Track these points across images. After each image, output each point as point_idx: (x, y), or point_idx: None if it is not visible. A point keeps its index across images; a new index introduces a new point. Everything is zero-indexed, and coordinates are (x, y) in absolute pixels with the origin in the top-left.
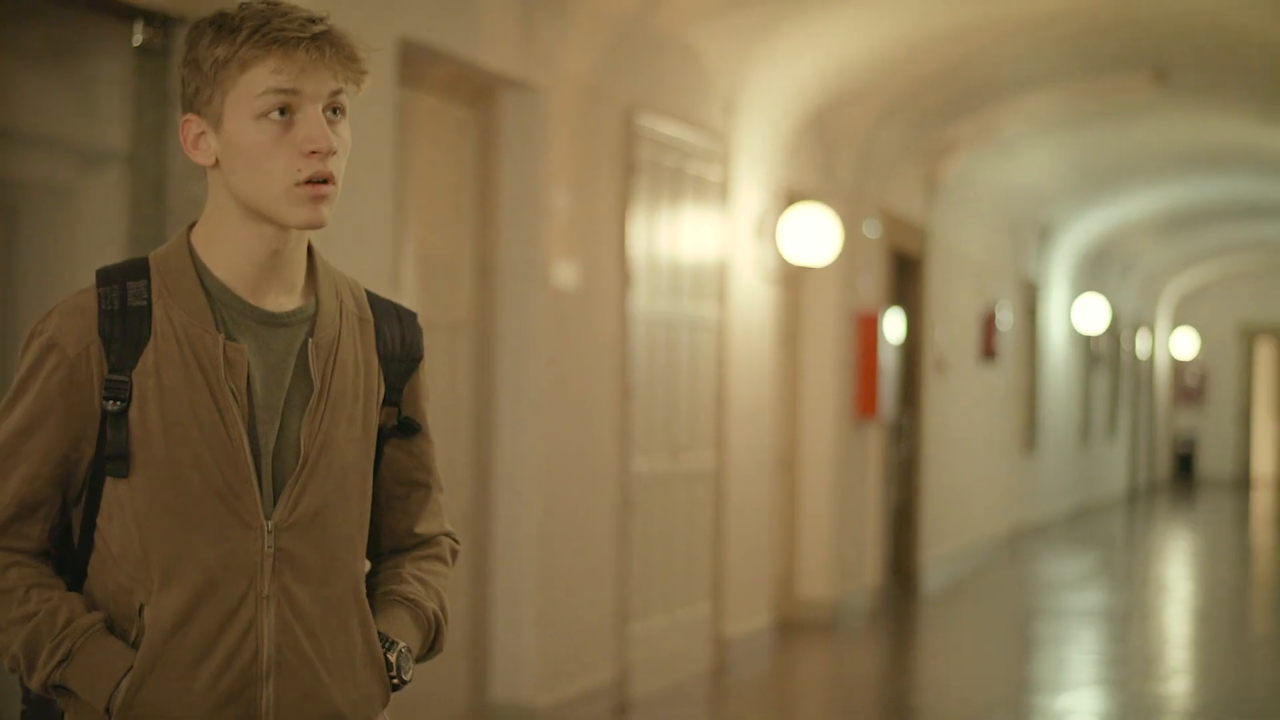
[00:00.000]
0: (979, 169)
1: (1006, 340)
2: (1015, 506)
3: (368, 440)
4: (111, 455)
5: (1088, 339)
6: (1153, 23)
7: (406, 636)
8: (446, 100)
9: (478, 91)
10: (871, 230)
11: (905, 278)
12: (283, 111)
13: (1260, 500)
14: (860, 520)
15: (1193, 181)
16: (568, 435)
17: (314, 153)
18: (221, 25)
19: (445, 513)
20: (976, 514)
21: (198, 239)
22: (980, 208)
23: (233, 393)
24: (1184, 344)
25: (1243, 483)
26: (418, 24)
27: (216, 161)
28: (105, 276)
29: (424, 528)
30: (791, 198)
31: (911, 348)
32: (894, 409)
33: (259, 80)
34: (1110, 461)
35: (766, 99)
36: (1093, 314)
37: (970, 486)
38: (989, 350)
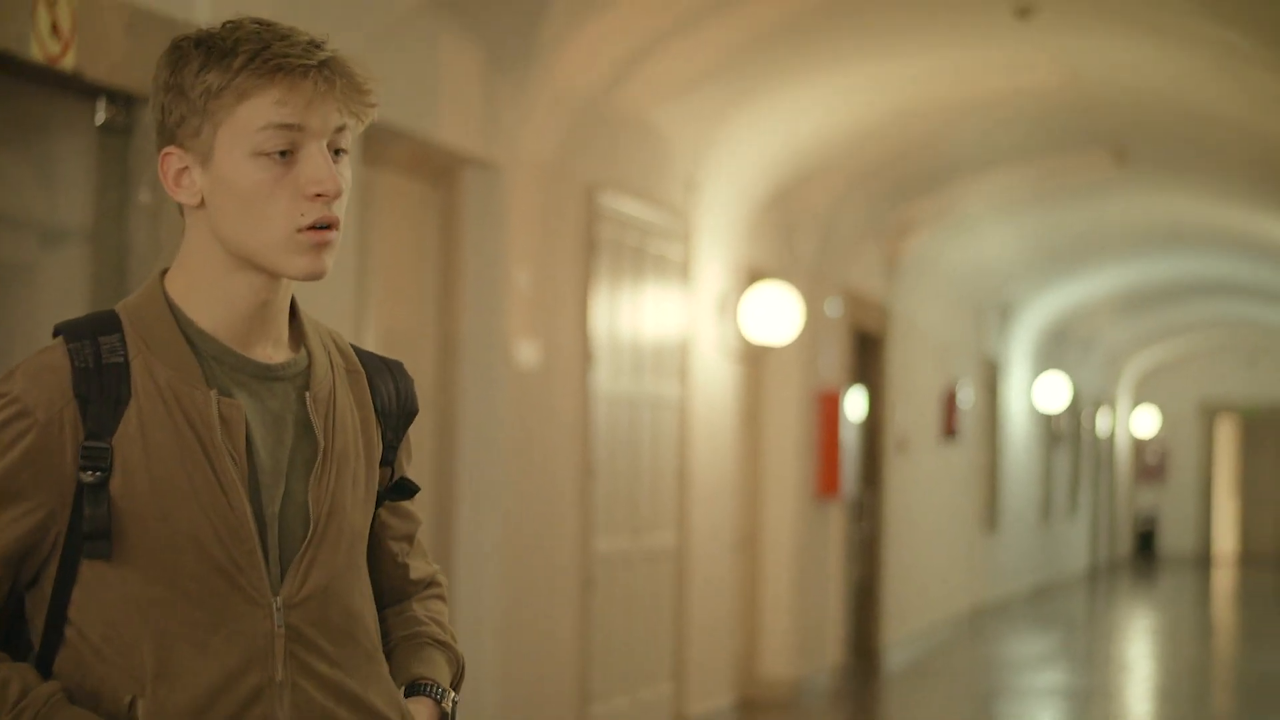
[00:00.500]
0: (940, 247)
1: (968, 419)
2: (977, 585)
3: (370, 503)
4: (90, 533)
5: (1049, 417)
6: (1112, 102)
7: (444, 679)
8: (409, 178)
9: (440, 170)
10: (833, 309)
11: (866, 356)
12: (284, 150)
13: (1221, 578)
14: (822, 599)
15: (1153, 260)
16: (529, 513)
17: (319, 195)
18: (212, 48)
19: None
20: (938, 593)
21: (174, 286)
22: (941, 286)
23: (231, 455)
24: (1145, 421)
25: (1204, 560)
26: (380, 102)
27: (202, 201)
28: (73, 331)
29: (418, 572)
30: (753, 276)
31: (873, 426)
32: (855, 487)
33: (259, 113)
34: (1071, 540)
35: (727, 177)
36: (1053, 392)
37: (932, 565)
38: (950, 429)
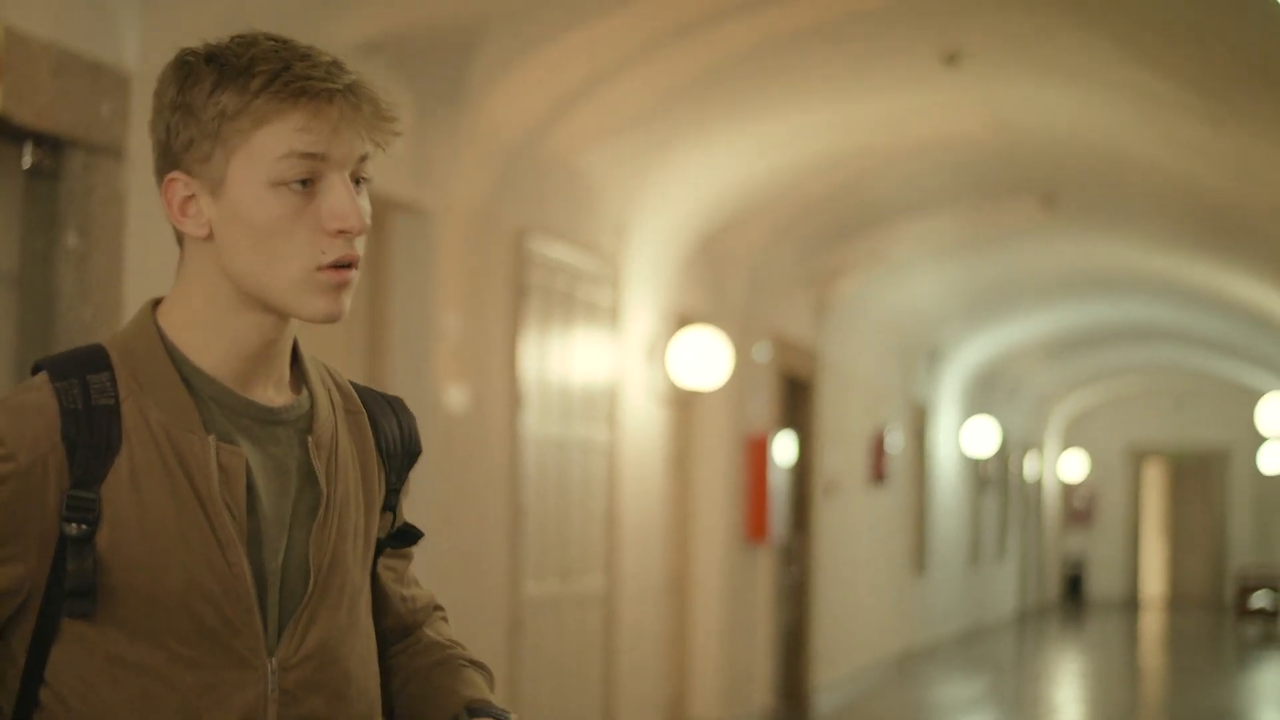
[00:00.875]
0: (869, 292)
1: (896, 463)
2: (906, 628)
3: (370, 553)
4: (73, 590)
5: (977, 461)
6: (1039, 149)
7: (488, 695)
8: None
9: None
10: (762, 353)
11: (795, 401)
12: (305, 180)
13: (1149, 621)
14: (751, 643)
15: (1079, 305)
16: (458, 557)
17: (342, 231)
18: (226, 66)
19: None
20: (867, 636)
21: (169, 322)
22: (870, 331)
23: (229, 507)
24: (1073, 465)
25: (1131, 604)
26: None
27: (210, 233)
28: (58, 369)
29: (420, 600)
30: (682, 321)
31: (802, 471)
32: (785, 532)
33: (279, 140)
34: (1000, 583)
35: (657, 222)
36: (982, 436)
37: (861, 608)
38: (879, 473)
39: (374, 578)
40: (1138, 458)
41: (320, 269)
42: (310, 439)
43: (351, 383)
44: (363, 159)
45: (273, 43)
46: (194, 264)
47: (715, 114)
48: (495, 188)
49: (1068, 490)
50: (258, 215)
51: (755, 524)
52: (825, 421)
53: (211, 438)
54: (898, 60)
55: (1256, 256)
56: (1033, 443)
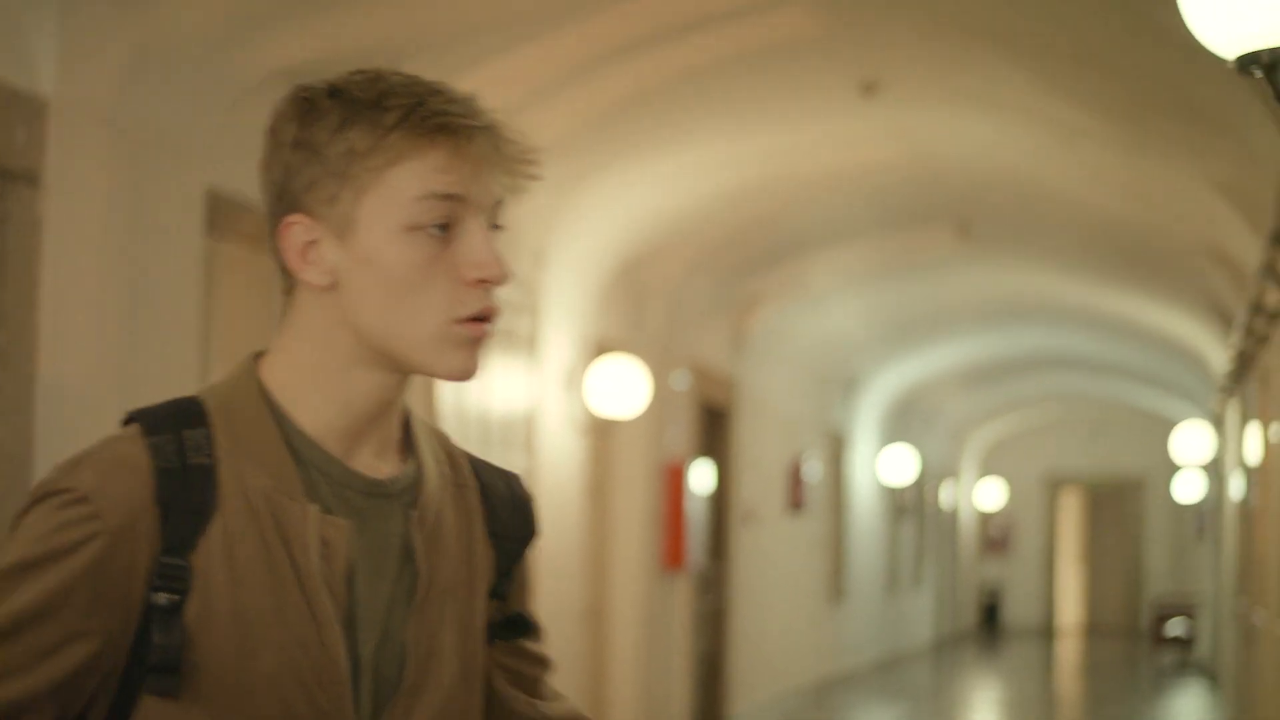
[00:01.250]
0: (787, 321)
1: (814, 491)
2: (823, 656)
3: (476, 644)
4: (157, 666)
5: (894, 489)
6: (956, 178)
7: None
8: (254, 250)
9: None
10: (680, 382)
11: (713, 429)
12: (442, 225)
13: (1065, 649)
14: (668, 671)
15: (997, 333)
16: None
17: (482, 281)
18: (354, 101)
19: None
20: (785, 664)
21: (273, 378)
22: (788, 359)
23: (328, 585)
24: (989, 494)
25: (1048, 631)
26: (225, 173)
27: (333, 282)
28: (152, 422)
29: (554, 713)
30: (600, 349)
31: (720, 499)
32: (702, 560)
33: (416, 180)
34: (917, 611)
35: (575, 250)
36: (899, 464)
37: (779, 637)
38: (796, 501)
39: (489, 683)
40: (1054, 486)
41: (458, 322)
42: (414, 514)
43: (467, 454)
44: (498, 204)
45: (402, 77)
46: (308, 315)
47: (635, 143)
48: None
49: (985, 518)
50: (392, 262)
51: (672, 552)
52: (743, 450)
53: (314, 507)
54: (816, 90)
55: (1170, 285)
56: (950, 471)
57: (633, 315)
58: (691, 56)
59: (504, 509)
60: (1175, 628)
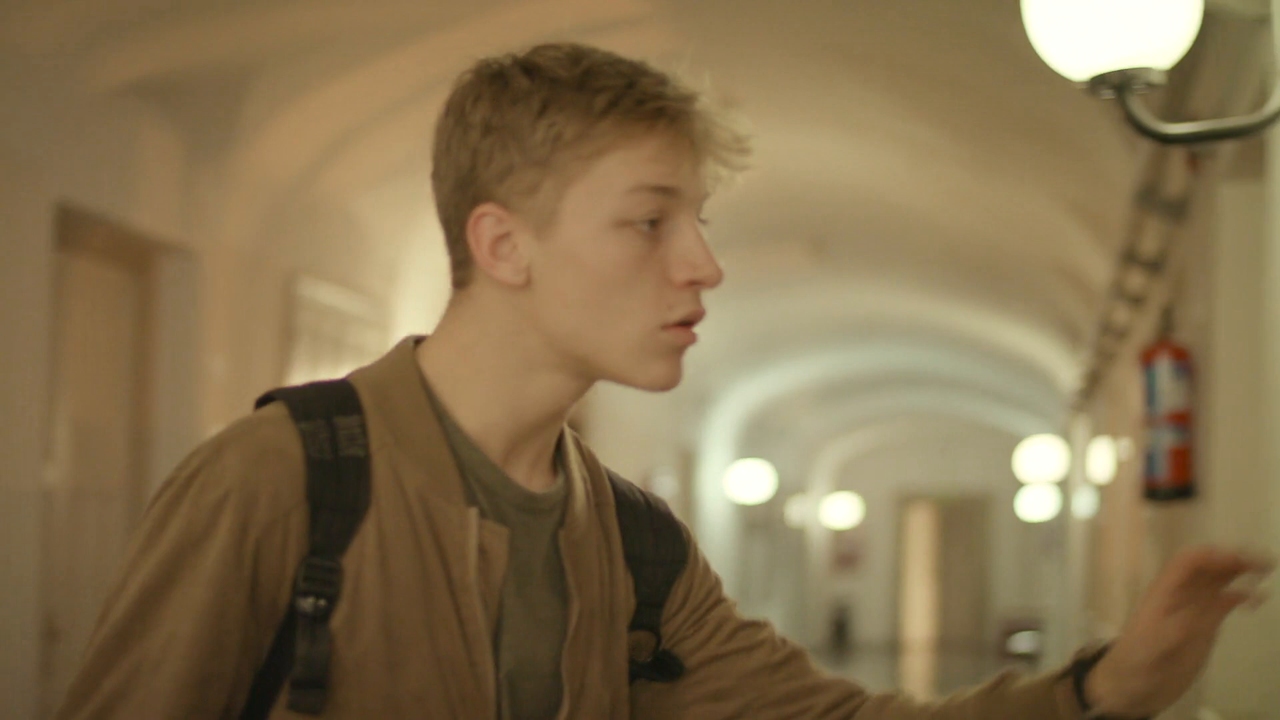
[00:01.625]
0: None
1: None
2: None
3: (622, 678)
4: (301, 680)
5: (745, 505)
6: (809, 196)
7: None
8: (104, 265)
9: (136, 256)
10: None
11: None
12: (655, 219)
13: (913, 663)
14: None
15: (850, 351)
16: None
17: (693, 282)
18: (556, 81)
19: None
20: None
21: (437, 371)
22: None
23: (483, 599)
24: (841, 510)
25: (896, 646)
26: (75, 186)
27: (528, 280)
28: (302, 405)
29: (833, 680)
30: None
31: None
32: None
33: (627, 171)
34: None
35: (428, 266)
36: (750, 481)
37: None
38: None
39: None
40: (905, 502)
41: (665, 328)
42: (562, 533)
43: (607, 469)
44: (705, 198)
45: (601, 53)
46: (488, 311)
47: None
48: (264, 230)
49: (836, 534)
50: (600, 260)
51: None
52: None
53: (473, 511)
54: None
55: (1021, 303)
56: (802, 487)
57: None
58: None
59: (643, 530)
60: (1022, 642)
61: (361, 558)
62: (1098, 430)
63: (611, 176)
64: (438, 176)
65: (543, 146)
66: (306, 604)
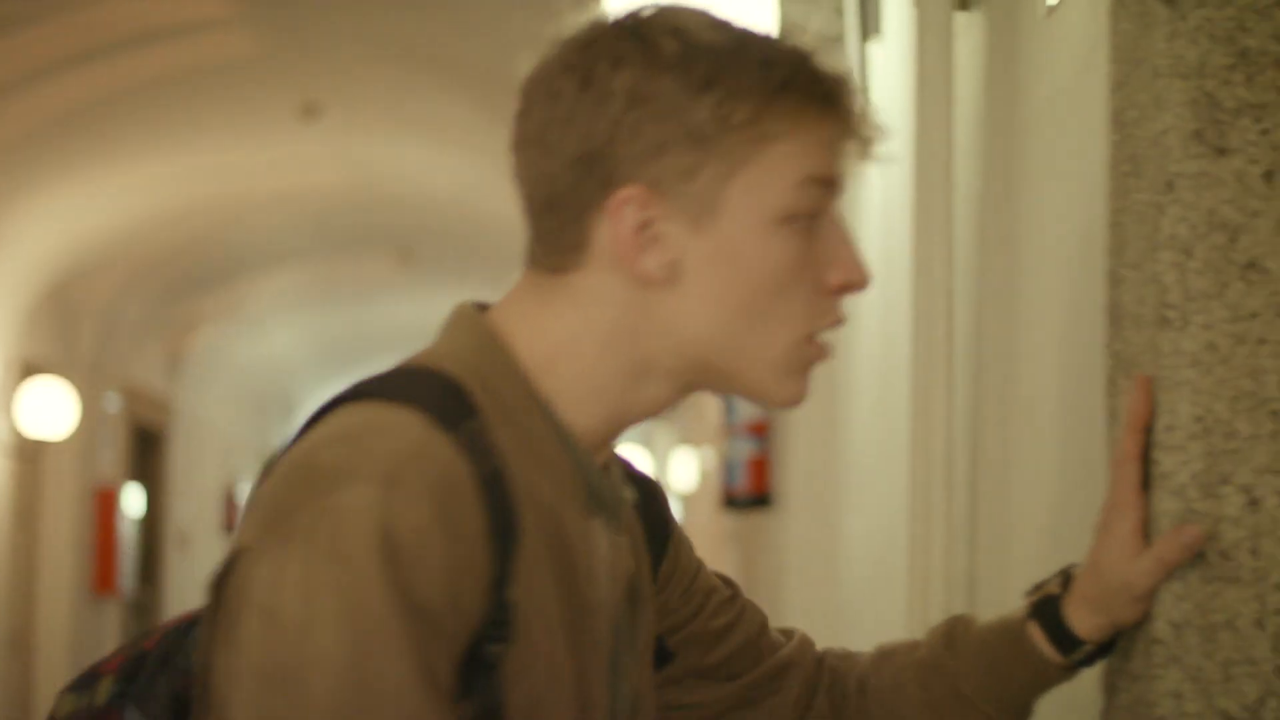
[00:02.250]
0: (226, 344)
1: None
2: None
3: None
4: None
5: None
6: (398, 204)
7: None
8: None
9: None
10: (112, 404)
11: (147, 452)
12: (815, 215)
13: None
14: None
15: None
16: None
17: (847, 286)
18: (717, 51)
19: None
20: None
21: (532, 356)
22: (227, 382)
23: (613, 623)
24: None
25: None
26: None
27: (672, 275)
28: (439, 409)
29: (774, 632)
30: (28, 370)
31: (152, 523)
32: (134, 585)
33: (799, 161)
34: None
35: (3, 269)
36: None
37: None
38: (231, 524)
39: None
40: None
41: (810, 340)
42: (626, 539)
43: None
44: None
45: (743, 22)
46: (599, 306)
47: (69, 159)
48: None
49: None
50: (759, 260)
51: (102, 577)
52: (177, 473)
53: (598, 523)
54: (256, 112)
55: None
56: None
57: (63, 335)
58: (128, 74)
59: (648, 516)
60: None
61: (527, 590)
62: (681, 439)
63: (782, 165)
64: (543, 146)
65: (708, 125)
66: (493, 650)
